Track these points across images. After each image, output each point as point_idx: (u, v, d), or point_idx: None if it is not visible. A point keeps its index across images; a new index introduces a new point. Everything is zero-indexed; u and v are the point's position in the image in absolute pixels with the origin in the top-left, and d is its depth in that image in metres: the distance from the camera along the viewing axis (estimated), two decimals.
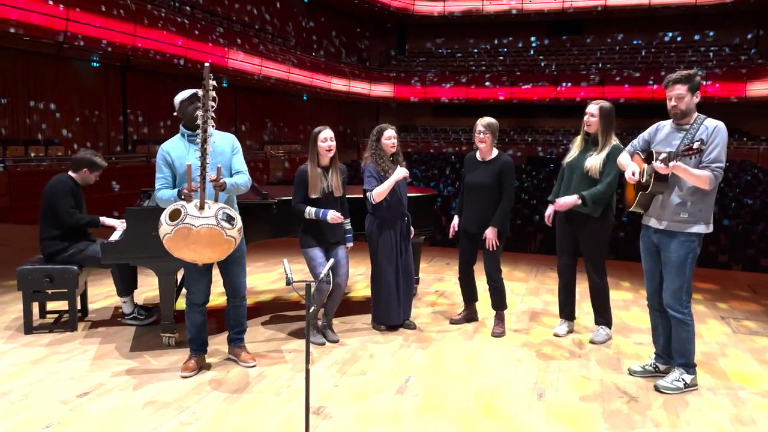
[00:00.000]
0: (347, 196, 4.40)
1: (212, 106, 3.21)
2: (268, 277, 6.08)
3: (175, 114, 3.65)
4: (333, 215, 4.05)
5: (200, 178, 3.22)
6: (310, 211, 4.08)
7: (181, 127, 3.64)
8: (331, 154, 4.12)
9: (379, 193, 4.30)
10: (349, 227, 4.38)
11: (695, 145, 3.18)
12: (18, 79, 13.70)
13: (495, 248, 4.41)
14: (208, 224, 3.12)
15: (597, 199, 4.11)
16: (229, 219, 3.22)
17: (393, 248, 4.43)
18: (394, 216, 4.43)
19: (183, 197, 3.31)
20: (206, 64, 3.23)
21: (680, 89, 3.40)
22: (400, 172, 4.29)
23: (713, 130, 3.35)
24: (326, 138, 4.10)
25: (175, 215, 3.14)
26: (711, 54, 25.51)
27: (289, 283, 2.49)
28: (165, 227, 3.15)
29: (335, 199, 4.18)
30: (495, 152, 4.48)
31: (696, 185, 3.35)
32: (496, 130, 4.41)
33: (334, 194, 4.16)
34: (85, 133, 15.50)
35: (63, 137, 14.86)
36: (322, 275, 2.55)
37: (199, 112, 3.21)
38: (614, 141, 4.18)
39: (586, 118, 4.21)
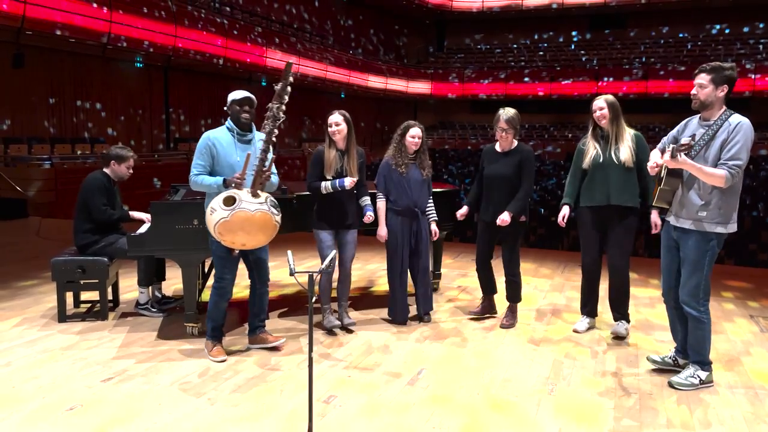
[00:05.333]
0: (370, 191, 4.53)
1: (285, 100, 3.50)
2: None
3: (225, 108, 3.82)
4: (350, 180, 4.17)
5: (258, 167, 3.50)
6: (327, 184, 4.19)
7: (230, 122, 3.81)
8: (338, 136, 4.21)
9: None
10: (368, 203, 4.43)
11: (683, 140, 3.19)
12: (65, 80, 14.23)
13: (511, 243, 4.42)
14: (262, 209, 3.40)
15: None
16: (276, 206, 3.52)
17: (400, 246, 4.49)
18: (403, 214, 4.49)
19: (234, 185, 3.55)
20: (289, 62, 3.55)
21: (702, 79, 3.32)
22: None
23: (735, 126, 3.26)
24: (332, 123, 4.21)
25: (230, 201, 3.39)
26: (760, 46, 24.58)
27: (291, 273, 2.57)
28: (220, 212, 3.36)
29: None
30: (515, 143, 4.49)
31: (710, 183, 3.28)
32: (517, 123, 4.42)
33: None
34: (129, 132, 15.99)
35: (108, 136, 15.36)
36: (323, 266, 2.62)
37: (273, 104, 3.48)
38: (631, 130, 4.20)
39: (596, 114, 4.21)
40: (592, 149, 4.27)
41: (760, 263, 8.52)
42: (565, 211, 4.39)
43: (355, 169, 4.25)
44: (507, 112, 4.43)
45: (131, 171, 4.84)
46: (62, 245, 5.91)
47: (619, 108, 4.20)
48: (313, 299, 2.52)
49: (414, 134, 4.48)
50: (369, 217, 4.37)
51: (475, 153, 24.64)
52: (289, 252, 2.70)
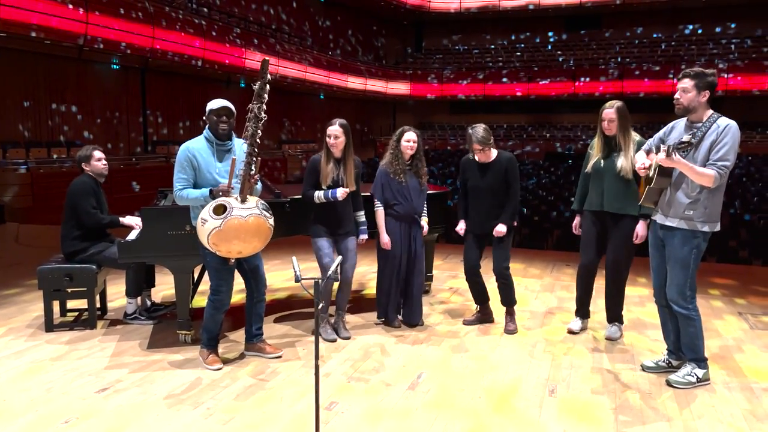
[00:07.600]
0: (365, 193, 4.50)
1: (265, 99, 3.43)
2: (284, 274, 6.13)
3: (204, 118, 3.74)
4: (342, 191, 4.11)
5: (245, 172, 3.42)
6: (320, 194, 4.14)
7: (208, 132, 3.72)
8: (335, 149, 4.16)
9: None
10: (363, 220, 4.42)
11: (685, 138, 3.25)
12: (40, 82, 13.93)
13: (504, 241, 4.44)
14: (255, 214, 3.33)
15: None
16: (267, 209, 3.46)
17: (398, 250, 4.47)
18: (403, 219, 4.48)
19: (221, 193, 3.47)
20: (265, 59, 3.44)
21: (686, 83, 3.38)
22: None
23: (724, 128, 3.32)
24: (331, 135, 4.15)
25: (220, 210, 3.31)
26: (732, 46, 25.10)
27: (297, 280, 2.53)
28: (212, 222, 3.28)
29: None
30: (494, 153, 4.45)
31: (700, 183, 3.33)
32: (490, 137, 4.36)
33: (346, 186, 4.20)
34: (106, 135, 15.71)
35: (84, 139, 15.07)
36: (329, 272, 2.58)
37: (253, 105, 3.41)
38: (636, 137, 4.16)
39: (605, 123, 4.14)
40: (595, 154, 4.28)
41: (741, 260, 8.67)
42: (577, 220, 4.49)
43: (352, 179, 4.19)
44: (477, 133, 4.34)
45: (105, 163, 4.66)
46: (42, 252, 5.79)
47: (628, 115, 4.14)
48: (320, 306, 2.48)
49: (409, 138, 4.45)
50: (362, 239, 4.40)
51: (455, 153, 24.75)
52: (294, 258, 2.65)
